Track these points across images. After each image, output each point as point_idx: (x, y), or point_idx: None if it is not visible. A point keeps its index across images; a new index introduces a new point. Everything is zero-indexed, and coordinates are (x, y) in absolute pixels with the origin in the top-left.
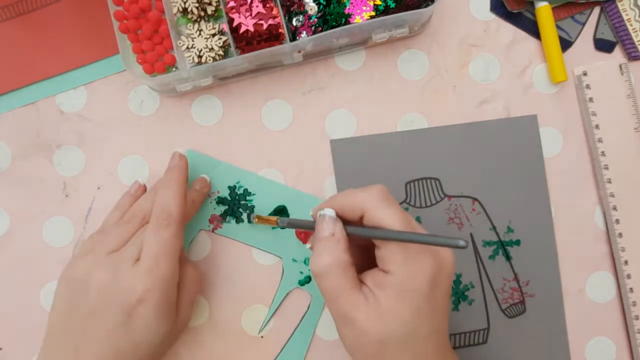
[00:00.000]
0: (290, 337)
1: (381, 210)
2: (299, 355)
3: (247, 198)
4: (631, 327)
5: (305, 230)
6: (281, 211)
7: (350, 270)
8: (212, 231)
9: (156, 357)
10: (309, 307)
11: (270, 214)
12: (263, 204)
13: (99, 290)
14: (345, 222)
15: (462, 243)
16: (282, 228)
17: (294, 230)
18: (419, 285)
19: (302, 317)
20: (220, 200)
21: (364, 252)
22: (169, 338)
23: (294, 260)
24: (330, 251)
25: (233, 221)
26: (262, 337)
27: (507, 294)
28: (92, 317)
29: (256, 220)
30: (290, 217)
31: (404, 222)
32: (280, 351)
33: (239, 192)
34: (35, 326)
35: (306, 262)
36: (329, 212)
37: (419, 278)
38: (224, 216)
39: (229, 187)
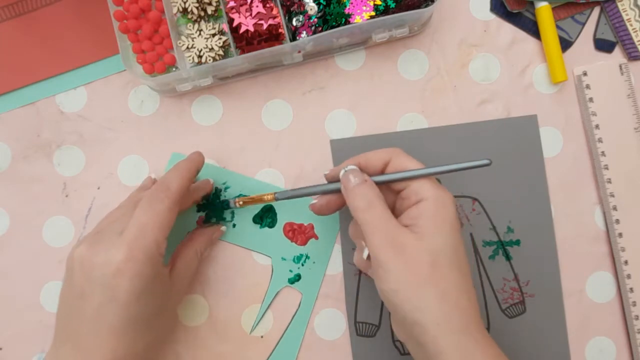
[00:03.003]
0: (282, 335)
1: (404, 157)
2: (292, 353)
3: (221, 195)
4: (631, 327)
5: (294, 229)
6: (268, 210)
7: (389, 209)
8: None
9: (156, 333)
10: (299, 305)
11: (257, 214)
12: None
13: (81, 267)
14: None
15: (486, 161)
16: (279, 199)
17: (282, 229)
18: (449, 205)
19: (293, 316)
20: (200, 208)
21: None
22: (165, 313)
23: (283, 258)
24: (370, 189)
25: (221, 222)
26: (262, 337)
27: (507, 294)
28: (81, 297)
29: (240, 203)
30: (278, 215)
31: (422, 165)
32: (273, 350)
33: (211, 193)
34: (35, 326)
35: (295, 260)
36: (353, 167)
37: (447, 200)
38: (207, 220)
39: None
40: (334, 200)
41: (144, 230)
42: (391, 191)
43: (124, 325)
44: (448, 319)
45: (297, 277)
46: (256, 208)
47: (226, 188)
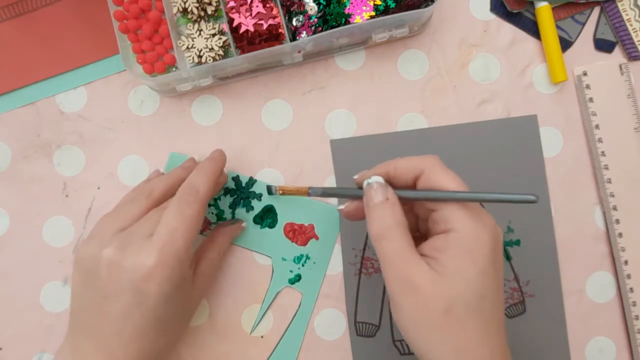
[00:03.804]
0: (283, 336)
1: (441, 171)
2: (292, 354)
3: (254, 186)
4: (631, 327)
5: (295, 230)
6: (269, 211)
7: (409, 235)
8: (201, 233)
9: (178, 331)
10: (300, 306)
11: (258, 214)
12: (251, 204)
13: (108, 268)
14: (395, 188)
15: (532, 197)
16: (312, 195)
17: (282, 229)
18: (484, 243)
19: (294, 316)
20: (227, 192)
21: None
22: (188, 312)
23: (283, 259)
24: (390, 214)
25: (243, 211)
26: (262, 337)
27: (507, 294)
28: (105, 297)
29: (280, 191)
30: (278, 216)
31: (461, 184)
32: (273, 350)
33: (244, 181)
34: (35, 326)
35: (295, 260)
36: (377, 179)
37: (483, 236)
38: (232, 207)
39: (232, 178)
40: (363, 207)
41: (174, 235)
42: (425, 207)
43: (149, 327)
44: None
45: (298, 278)
46: (257, 209)
47: (226, 188)
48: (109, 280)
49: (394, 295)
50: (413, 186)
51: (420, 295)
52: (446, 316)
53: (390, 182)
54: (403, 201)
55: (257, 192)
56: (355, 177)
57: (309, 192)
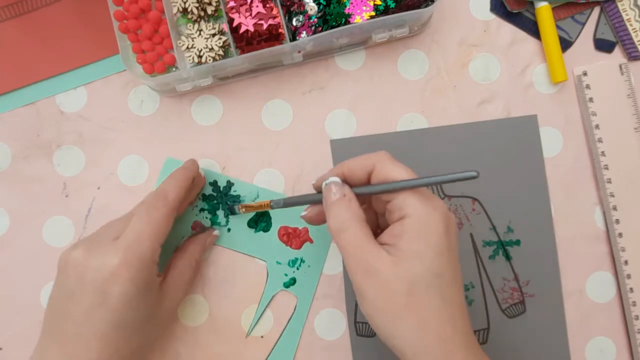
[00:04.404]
0: (278, 339)
1: (390, 164)
2: (288, 358)
3: (232, 189)
4: (631, 327)
5: (289, 233)
6: (263, 215)
7: (367, 227)
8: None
9: (144, 340)
10: (295, 309)
11: (252, 218)
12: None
13: (75, 269)
14: (351, 186)
15: (473, 173)
16: (275, 208)
17: (277, 233)
18: (436, 225)
19: (289, 320)
20: (205, 198)
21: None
22: (154, 321)
23: (277, 262)
24: (346, 208)
25: (216, 227)
26: (262, 337)
27: (507, 294)
28: (71, 298)
29: (243, 210)
30: (273, 219)
31: (411, 173)
32: (269, 354)
33: (222, 185)
34: (35, 326)
35: (290, 264)
36: (333, 179)
37: (435, 218)
38: (212, 212)
39: (210, 183)
40: (324, 211)
41: (140, 238)
42: (378, 198)
43: (111, 330)
44: (428, 351)
45: (293, 281)
46: (251, 212)
47: (223, 181)
48: (75, 280)
49: (357, 284)
50: (366, 182)
51: (382, 280)
52: (408, 297)
53: (346, 182)
54: (361, 198)
55: (235, 195)
56: (313, 182)
57: (272, 204)
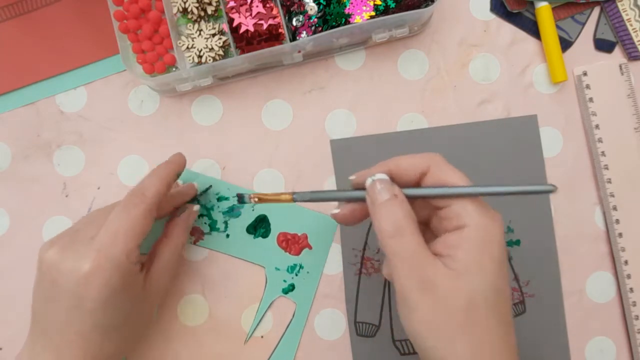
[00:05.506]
0: (277, 343)
1: (447, 167)
2: (288, 359)
3: (209, 193)
4: (631, 327)
5: (288, 239)
6: (262, 220)
7: (420, 232)
8: (194, 243)
9: (131, 334)
10: (294, 315)
11: (251, 224)
12: (244, 214)
13: (49, 270)
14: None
15: (550, 187)
16: (297, 201)
17: (275, 239)
18: (497, 236)
19: (288, 325)
20: (202, 203)
21: None
22: (140, 315)
23: (276, 268)
24: (400, 209)
25: (214, 232)
26: (262, 337)
27: None
28: (50, 300)
29: (255, 199)
30: (272, 225)
31: (467, 180)
32: (270, 356)
33: (200, 190)
34: None
35: (289, 270)
36: (381, 176)
37: (495, 229)
38: (210, 217)
39: (197, 199)
40: (359, 210)
41: (116, 238)
42: (427, 203)
43: (91, 330)
44: None
45: (291, 287)
46: (249, 218)
47: (220, 198)
48: (49, 283)
49: (408, 295)
50: (415, 184)
51: (440, 295)
52: (466, 314)
53: (393, 180)
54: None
55: (209, 206)
56: (352, 177)
57: (294, 197)
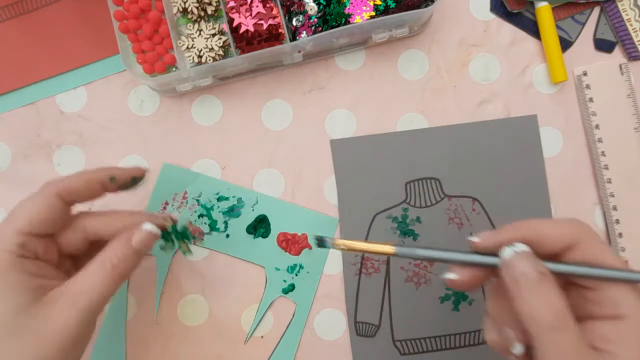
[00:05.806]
0: (277, 344)
1: (599, 244)
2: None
3: (231, 194)
4: None
5: (288, 239)
6: (262, 221)
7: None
8: (194, 244)
9: None
10: (294, 315)
11: (250, 224)
12: (244, 214)
13: None
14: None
15: None
16: (399, 256)
17: (276, 238)
18: None
19: (288, 325)
20: (202, 203)
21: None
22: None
23: (277, 269)
24: (554, 295)
25: (214, 232)
26: (262, 337)
27: None
28: None
29: (342, 247)
30: (272, 226)
31: (622, 261)
32: (270, 356)
33: (219, 193)
34: None
35: (289, 270)
36: (524, 248)
37: None
38: (210, 217)
39: (197, 200)
40: (480, 277)
41: (9, 217)
42: (565, 277)
43: None
44: None
45: (292, 287)
46: (249, 218)
47: (220, 198)
48: None
49: None
50: (554, 257)
51: None
52: None
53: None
54: None
55: (209, 206)
56: (475, 239)
57: (396, 252)
